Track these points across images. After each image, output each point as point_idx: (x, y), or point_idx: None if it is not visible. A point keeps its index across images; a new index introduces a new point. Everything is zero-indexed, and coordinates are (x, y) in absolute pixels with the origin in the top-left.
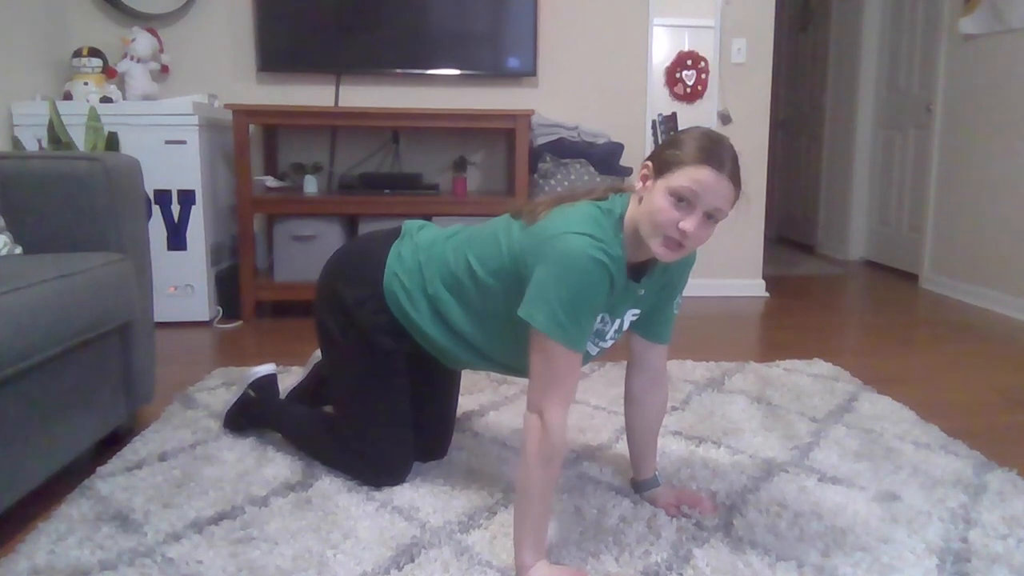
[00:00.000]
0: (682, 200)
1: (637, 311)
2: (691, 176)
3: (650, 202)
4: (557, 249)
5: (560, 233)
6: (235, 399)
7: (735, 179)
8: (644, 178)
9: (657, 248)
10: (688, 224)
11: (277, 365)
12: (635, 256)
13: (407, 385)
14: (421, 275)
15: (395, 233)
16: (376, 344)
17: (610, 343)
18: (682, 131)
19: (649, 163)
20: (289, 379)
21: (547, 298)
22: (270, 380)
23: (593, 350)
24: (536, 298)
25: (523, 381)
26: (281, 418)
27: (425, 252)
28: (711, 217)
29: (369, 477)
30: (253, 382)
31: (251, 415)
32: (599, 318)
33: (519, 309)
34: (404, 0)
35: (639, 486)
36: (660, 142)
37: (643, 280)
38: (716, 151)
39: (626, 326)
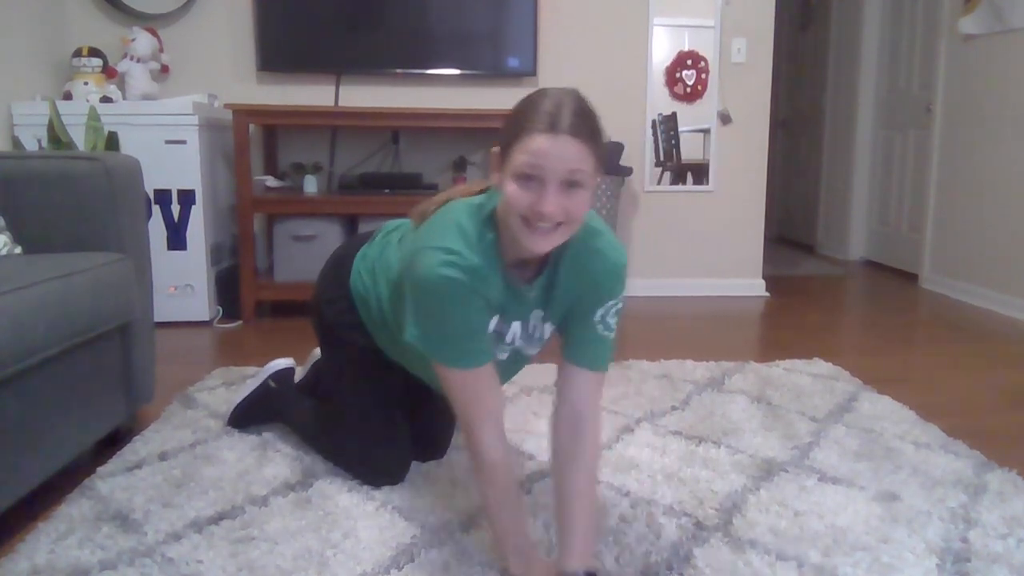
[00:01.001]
0: (529, 179)
1: (542, 314)
2: (527, 148)
3: (504, 192)
4: (412, 269)
5: (418, 248)
6: (251, 391)
7: (581, 131)
8: (495, 167)
9: (526, 240)
10: (543, 203)
11: None
12: (519, 251)
13: (398, 383)
14: (374, 275)
15: (370, 235)
16: (348, 341)
17: (524, 348)
18: (521, 99)
19: (495, 149)
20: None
21: (416, 320)
22: (288, 373)
23: (501, 355)
24: (408, 320)
25: (523, 381)
26: (292, 412)
27: (382, 250)
28: (573, 185)
29: (367, 476)
30: (273, 374)
31: (266, 407)
32: (495, 320)
33: (404, 333)
34: (404, 0)
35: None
36: (660, 142)
37: (536, 281)
38: (549, 111)
39: (542, 334)
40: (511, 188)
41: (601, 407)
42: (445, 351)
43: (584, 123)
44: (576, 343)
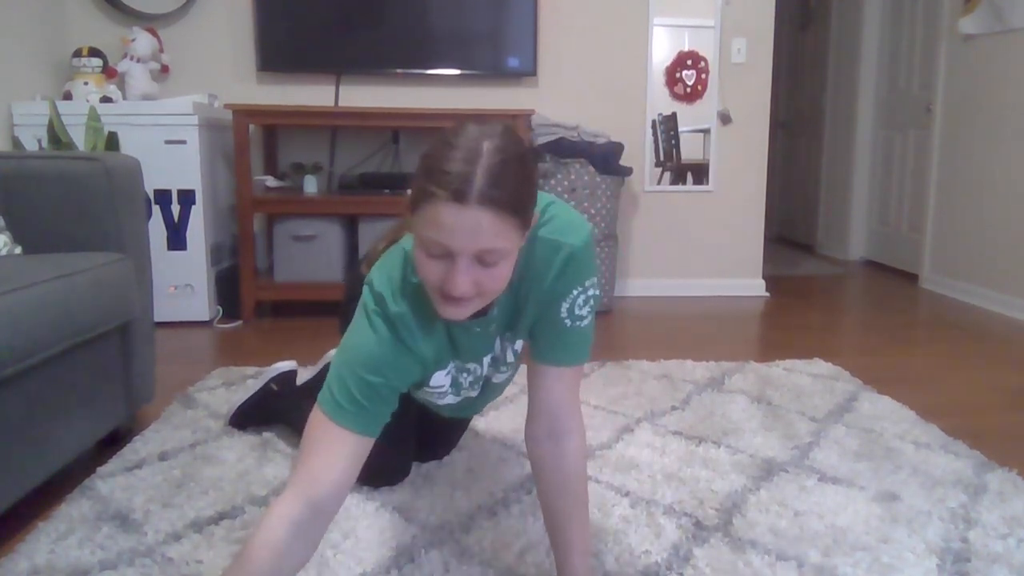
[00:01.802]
0: (434, 252)
1: (509, 334)
2: (431, 219)
3: (415, 252)
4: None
5: (365, 281)
6: (252, 392)
7: (496, 202)
8: (406, 210)
9: (439, 307)
10: (452, 284)
11: None
12: None
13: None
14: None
15: None
16: None
17: (500, 378)
18: (436, 137)
19: (408, 191)
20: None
21: (338, 351)
22: (290, 375)
23: (472, 393)
24: (339, 347)
25: (523, 381)
26: (293, 413)
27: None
28: (485, 261)
29: (367, 478)
30: (276, 376)
31: (266, 409)
32: (448, 371)
33: None
34: (404, 0)
35: None
36: (660, 142)
37: (491, 312)
38: (459, 173)
39: (516, 355)
40: (419, 257)
41: (594, 406)
42: (333, 386)
43: (501, 187)
44: (545, 342)
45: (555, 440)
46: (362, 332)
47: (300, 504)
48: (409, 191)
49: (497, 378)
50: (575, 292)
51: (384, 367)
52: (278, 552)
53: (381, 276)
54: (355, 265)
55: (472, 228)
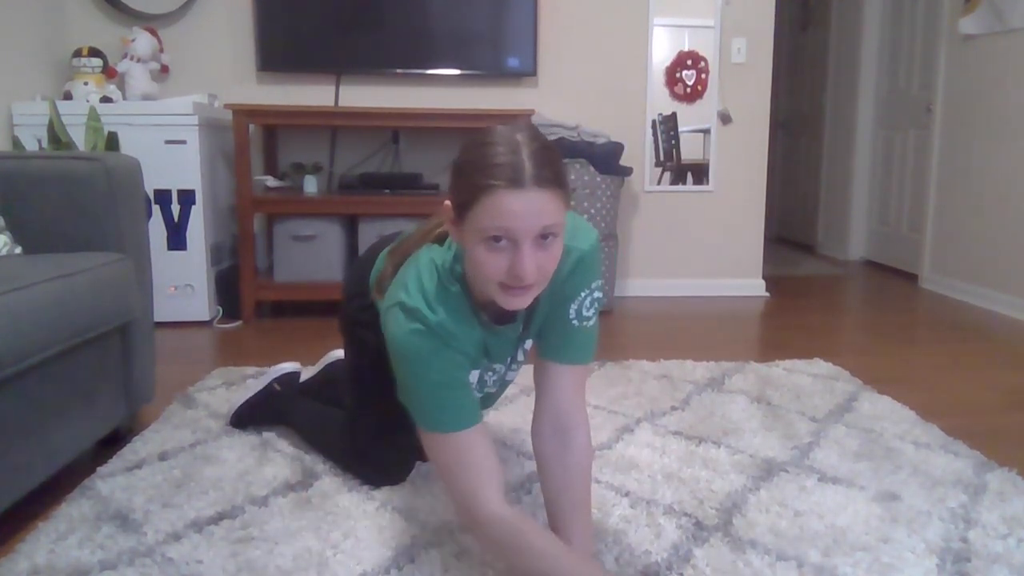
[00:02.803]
0: (499, 240)
1: (529, 341)
2: (492, 211)
3: (468, 252)
4: (386, 330)
5: (387, 307)
6: (254, 392)
7: (547, 182)
8: (452, 221)
9: (503, 300)
10: (520, 267)
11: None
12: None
13: None
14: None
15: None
16: (362, 340)
17: (512, 375)
18: (466, 144)
19: (447, 203)
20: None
21: (403, 385)
22: (293, 376)
23: (491, 389)
24: (399, 385)
25: (523, 381)
26: (294, 414)
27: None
28: (546, 237)
29: (369, 477)
30: (278, 377)
31: (268, 409)
32: (478, 372)
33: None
34: (404, 0)
35: None
36: (660, 142)
37: (518, 318)
38: (509, 163)
39: (527, 351)
40: (480, 254)
41: (594, 406)
42: (427, 412)
43: (548, 167)
44: (552, 341)
45: (561, 437)
46: (414, 360)
47: (499, 490)
48: (450, 200)
49: (509, 376)
50: (583, 294)
51: (451, 371)
52: (525, 519)
53: (410, 292)
54: (355, 264)
55: (533, 209)
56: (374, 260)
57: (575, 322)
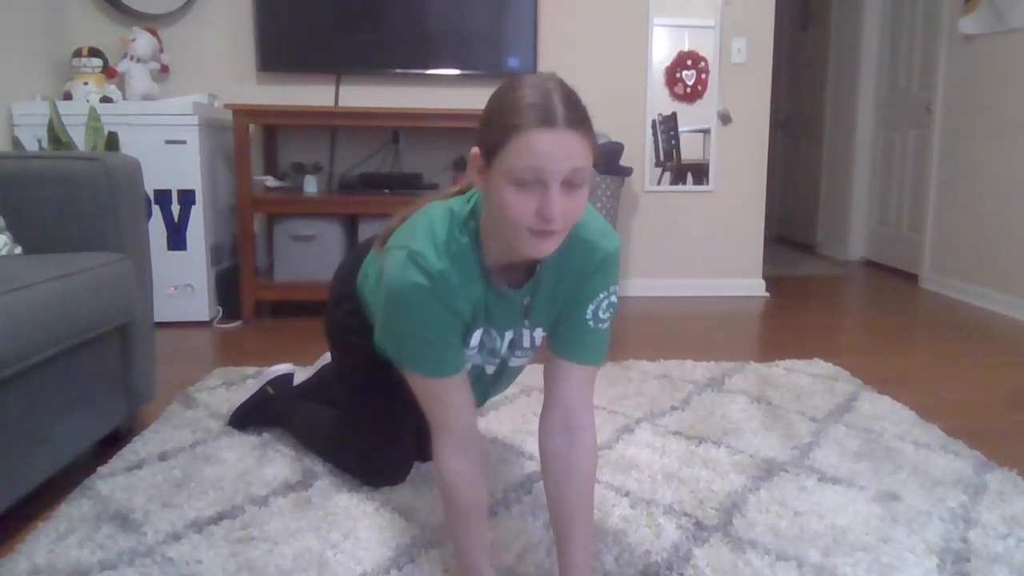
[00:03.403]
0: (527, 182)
1: (528, 321)
2: (523, 150)
3: (495, 197)
4: (384, 270)
5: (388, 248)
6: (248, 396)
7: (577, 124)
8: (478, 170)
9: (529, 246)
10: (549, 208)
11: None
12: (506, 256)
13: (402, 385)
14: (380, 279)
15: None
16: (354, 346)
17: (516, 361)
18: (496, 93)
19: (475, 150)
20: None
21: (384, 324)
22: (287, 379)
23: (488, 368)
24: (379, 322)
25: (524, 381)
26: (291, 416)
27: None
28: (573, 183)
29: (368, 478)
30: (272, 380)
31: (263, 412)
32: (481, 332)
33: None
34: (404, 0)
35: None
36: (660, 142)
37: (526, 286)
38: (541, 104)
39: (536, 341)
40: (507, 195)
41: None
42: (407, 355)
43: (578, 111)
44: (566, 339)
45: (568, 435)
46: (405, 309)
47: (461, 446)
48: (478, 147)
49: (513, 362)
50: (601, 295)
51: (439, 329)
52: (470, 487)
53: (417, 237)
54: (340, 268)
55: (564, 149)
56: (360, 263)
57: (591, 323)
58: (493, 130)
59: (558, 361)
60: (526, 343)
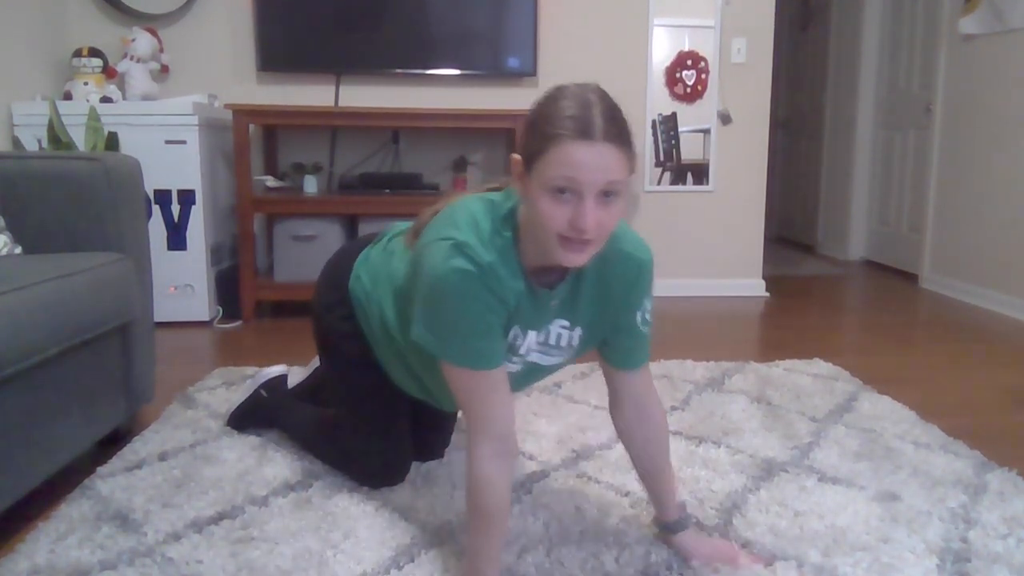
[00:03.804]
0: (563, 192)
1: (567, 323)
2: (561, 161)
3: (532, 204)
4: (423, 262)
5: (428, 242)
6: (244, 398)
7: (616, 138)
8: (518, 175)
9: (560, 255)
10: (582, 219)
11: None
12: (541, 259)
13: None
14: (377, 280)
15: (375, 237)
16: (348, 351)
17: (541, 359)
18: (539, 101)
19: (516, 156)
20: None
21: (425, 318)
22: (281, 381)
23: (513, 367)
24: (417, 317)
25: None
26: (287, 418)
27: (387, 256)
28: (609, 195)
29: (366, 479)
30: (265, 382)
31: (259, 415)
32: (511, 333)
33: (410, 331)
34: (404, 0)
35: (664, 527)
36: (660, 142)
37: (558, 287)
38: (582, 116)
39: (563, 341)
40: (543, 203)
41: (597, 406)
42: (451, 348)
43: (617, 124)
44: (625, 351)
45: (643, 420)
46: (452, 300)
47: (498, 445)
48: (519, 153)
49: (546, 360)
50: (645, 303)
51: (487, 317)
52: (498, 489)
53: (462, 228)
54: (327, 274)
55: (601, 162)
56: (349, 268)
57: (641, 328)
58: (533, 138)
59: (621, 372)
60: (562, 342)
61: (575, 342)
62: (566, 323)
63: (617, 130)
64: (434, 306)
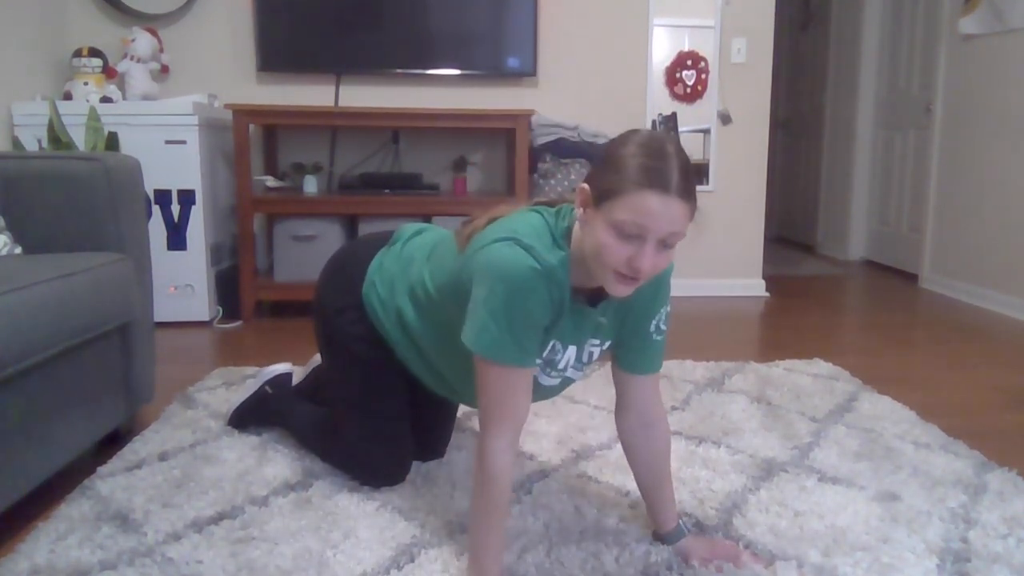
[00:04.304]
0: (628, 235)
1: (597, 341)
2: (634, 207)
3: (593, 235)
4: (484, 259)
5: (489, 242)
6: (247, 395)
7: (687, 195)
8: (583, 203)
9: (611, 286)
10: (642, 260)
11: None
12: (584, 281)
13: (401, 386)
14: (393, 286)
15: (385, 239)
16: (357, 352)
17: (573, 374)
18: (618, 141)
19: (586, 187)
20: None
21: (479, 314)
22: (285, 378)
23: (546, 380)
24: (471, 316)
25: None
26: (290, 416)
27: (404, 263)
28: (666, 244)
29: (367, 478)
30: (270, 379)
31: (262, 412)
32: (550, 346)
33: (461, 334)
34: (404, 0)
35: (662, 539)
36: None
37: (601, 305)
38: (660, 169)
39: (593, 357)
40: (607, 238)
41: (601, 407)
42: (498, 341)
43: (689, 181)
44: (635, 355)
45: (645, 430)
46: (516, 288)
47: (513, 439)
48: (591, 185)
49: (576, 375)
50: (662, 311)
51: (542, 311)
52: (508, 482)
53: (526, 235)
54: (335, 276)
55: (670, 214)
56: (360, 273)
57: (655, 336)
58: (609, 178)
59: (630, 376)
60: (586, 358)
61: (595, 356)
62: (597, 341)
63: (689, 187)
64: (494, 299)
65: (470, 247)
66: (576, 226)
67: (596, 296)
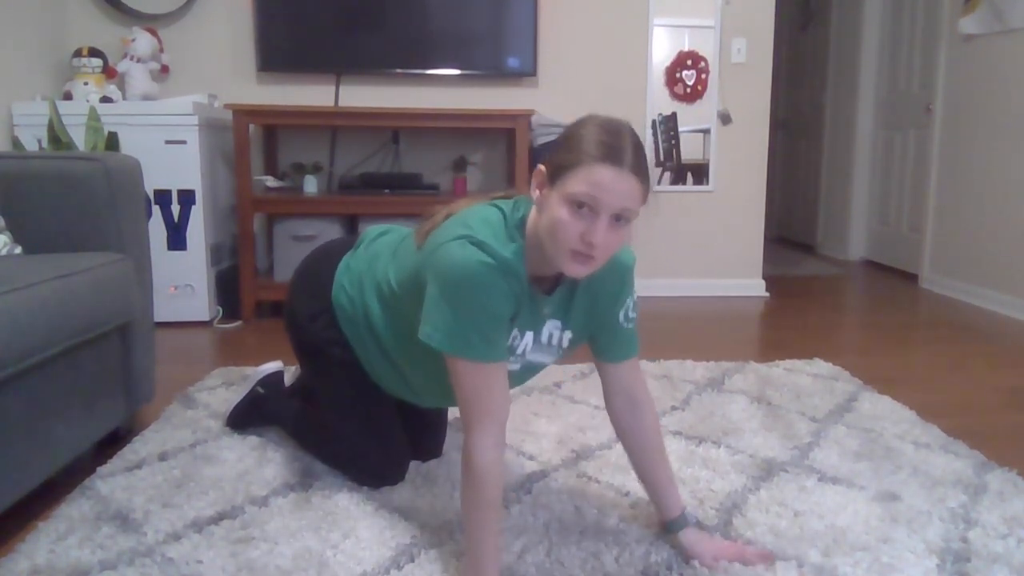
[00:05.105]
0: (582, 207)
1: (559, 323)
2: (588, 178)
3: (548, 213)
4: (440, 259)
5: (444, 241)
6: (242, 397)
7: (640, 172)
8: (539, 185)
9: (566, 264)
10: (594, 234)
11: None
12: (541, 269)
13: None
14: (362, 284)
15: (350, 244)
16: (337, 356)
17: (537, 358)
18: (575, 123)
19: (542, 168)
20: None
21: (440, 312)
22: (277, 377)
23: (513, 366)
24: (428, 315)
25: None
26: (286, 415)
27: (370, 260)
28: (620, 219)
29: (365, 479)
30: (262, 379)
31: (258, 412)
32: (511, 334)
33: (419, 332)
34: (404, 0)
35: (666, 527)
36: (660, 142)
37: (554, 295)
38: (614, 144)
39: (555, 340)
40: (561, 211)
41: (593, 403)
42: (464, 339)
43: (642, 160)
44: (610, 346)
45: (632, 411)
46: (473, 287)
47: (496, 434)
48: (546, 165)
49: (538, 358)
50: (628, 301)
51: (504, 305)
52: (497, 478)
53: (479, 230)
54: (306, 283)
55: (623, 187)
56: (329, 278)
57: (625, 324)
58: (564, 154)
59: (609, 366)
60: (553, 341)
61: (564, 343)
62: (558, 323)
63: (642, 164)
64: (453, 299)
65: (427, 244)
66: (532, 212)
67: (554, 283)
